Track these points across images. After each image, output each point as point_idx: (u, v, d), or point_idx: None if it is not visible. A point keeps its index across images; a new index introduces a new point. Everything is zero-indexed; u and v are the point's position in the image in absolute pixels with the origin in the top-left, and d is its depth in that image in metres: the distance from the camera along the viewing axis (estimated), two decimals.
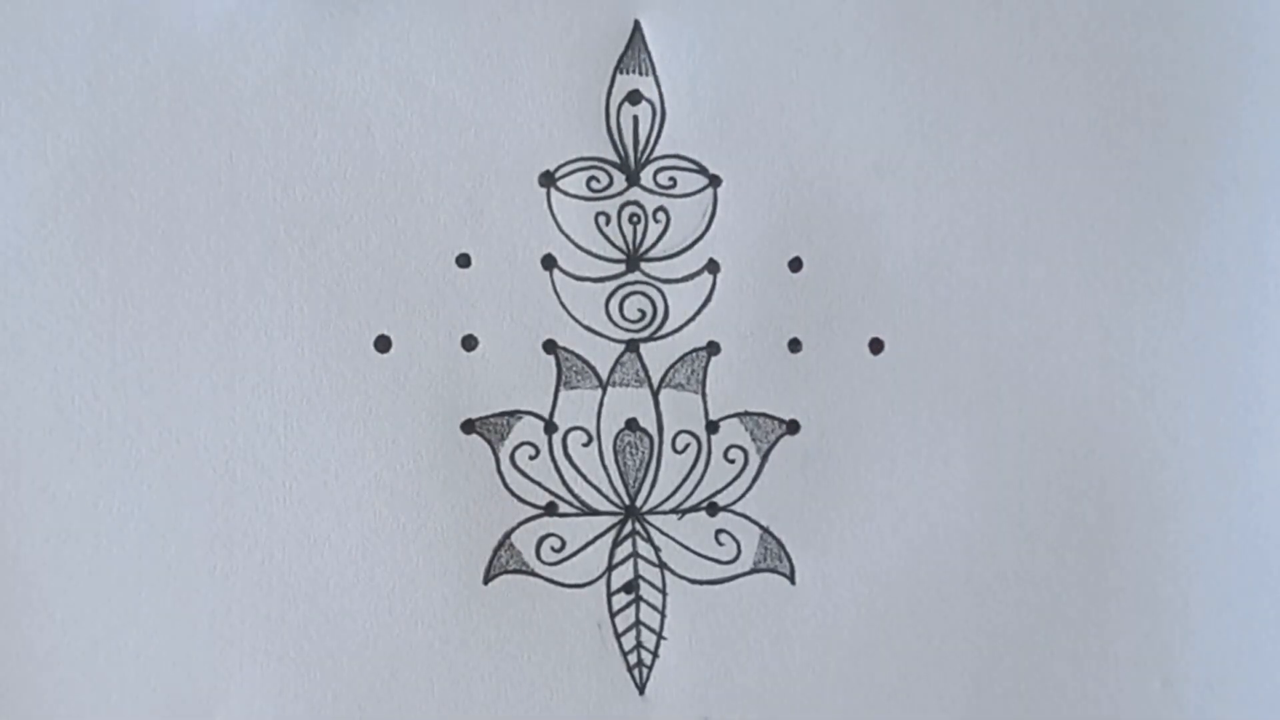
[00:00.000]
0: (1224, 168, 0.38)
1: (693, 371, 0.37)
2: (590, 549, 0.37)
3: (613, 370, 0.37)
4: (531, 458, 0.36)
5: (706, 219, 0.37)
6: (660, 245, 0.37)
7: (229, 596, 0.36)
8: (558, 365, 0.36)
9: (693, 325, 0.37)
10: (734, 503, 0.37)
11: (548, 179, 0.36)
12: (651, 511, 0.37)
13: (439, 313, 0.36)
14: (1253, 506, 0.38)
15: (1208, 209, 0.38)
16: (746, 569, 0.37)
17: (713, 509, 0.37)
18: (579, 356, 0.36)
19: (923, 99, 0.37)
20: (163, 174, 0.35)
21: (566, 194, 0.36)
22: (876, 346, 0.37)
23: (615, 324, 0.37)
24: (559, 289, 0.36)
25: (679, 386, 0.37)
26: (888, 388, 0.37)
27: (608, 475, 0.37)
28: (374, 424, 0.36)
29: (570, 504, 0.37)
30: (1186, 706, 0.37)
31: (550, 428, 0.36)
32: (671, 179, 0.36)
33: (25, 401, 0.35)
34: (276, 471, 0.36)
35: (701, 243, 0.37)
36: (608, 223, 0.36)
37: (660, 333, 0.37)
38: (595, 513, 0.37)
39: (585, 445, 0.37)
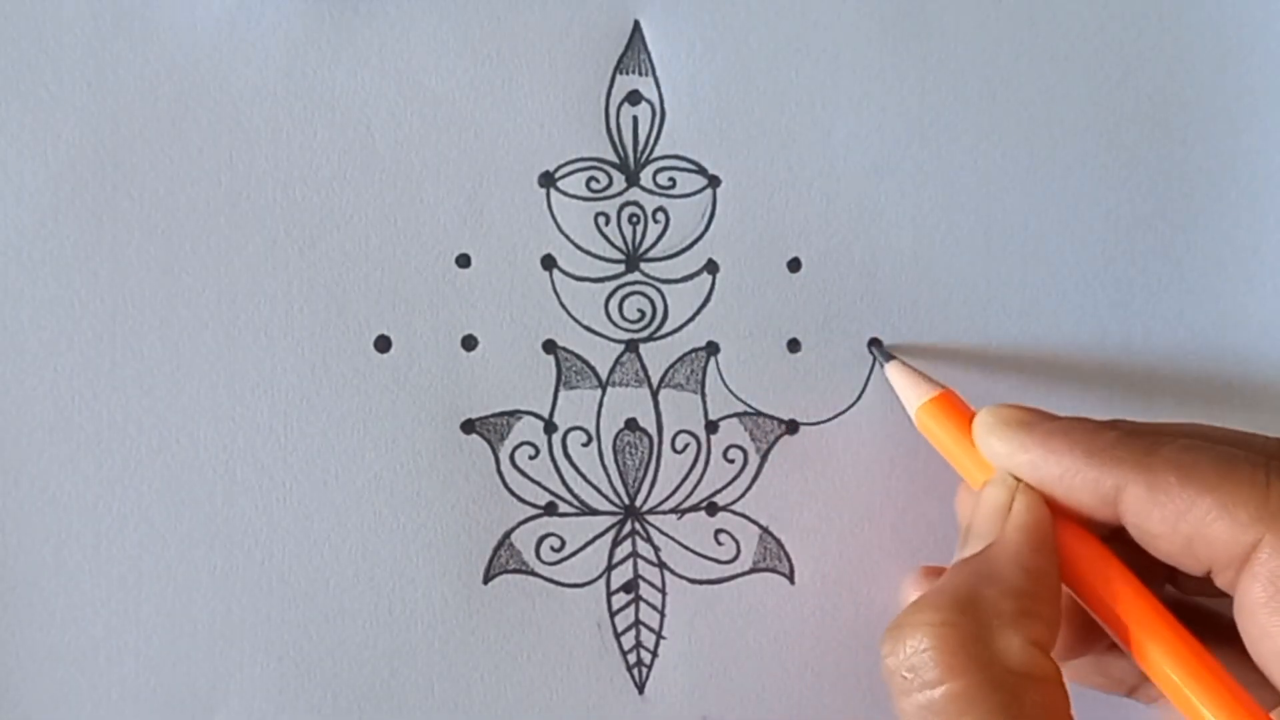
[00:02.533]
0: (1224, 168, 0.38)
1: (692, 371, 0.37)
2: (590, 549, 0.37)
3: (612, 370, 0.37)
4: (531, 458, 0.36)
5: (706, 219, 0.37)
6: (660, 245, 0.37)
7: (229, 596, 0.36)
8: (557, 365, 0.36)
9: (692, 325, 0.37)
10: (733, 503, 0.37)
11: (547, 179, 0.36)
12: (651, 511, 0.37)
13: (439, 313, 0.36)
14: None
15: (1207, 209, 0.38)
16: (746, 569, 0.37)
17: (712, 509, 0.37)
18: (579, 356, 0.37)
19: (923, 99, 0.37)
20: (163, 174, 0.35)
21: (566, 194, 0.36)
22: (876, 346, 0.37)
23: (615, 324, 0.37)
24: (559, 289, 0.36)
25: (678, 386, 0.37)
26: (886, 387, 0.37)
27: (607, 475, 0.37)
28: (374, 424, 0.36)
29: (570, 504, 0.37)
30: None
31: (550, 428, 0.36)
32: (671, 179, 0.36)
33: (25, 401, 0.35)
34: (276, 471, 0.36)
35: (701, 243, 0.37)
36: (607, 223, 0.36)
37: (660, 333, 0.37)
38: (595, 512, 0.37)
39: (585, 445, 0.37)
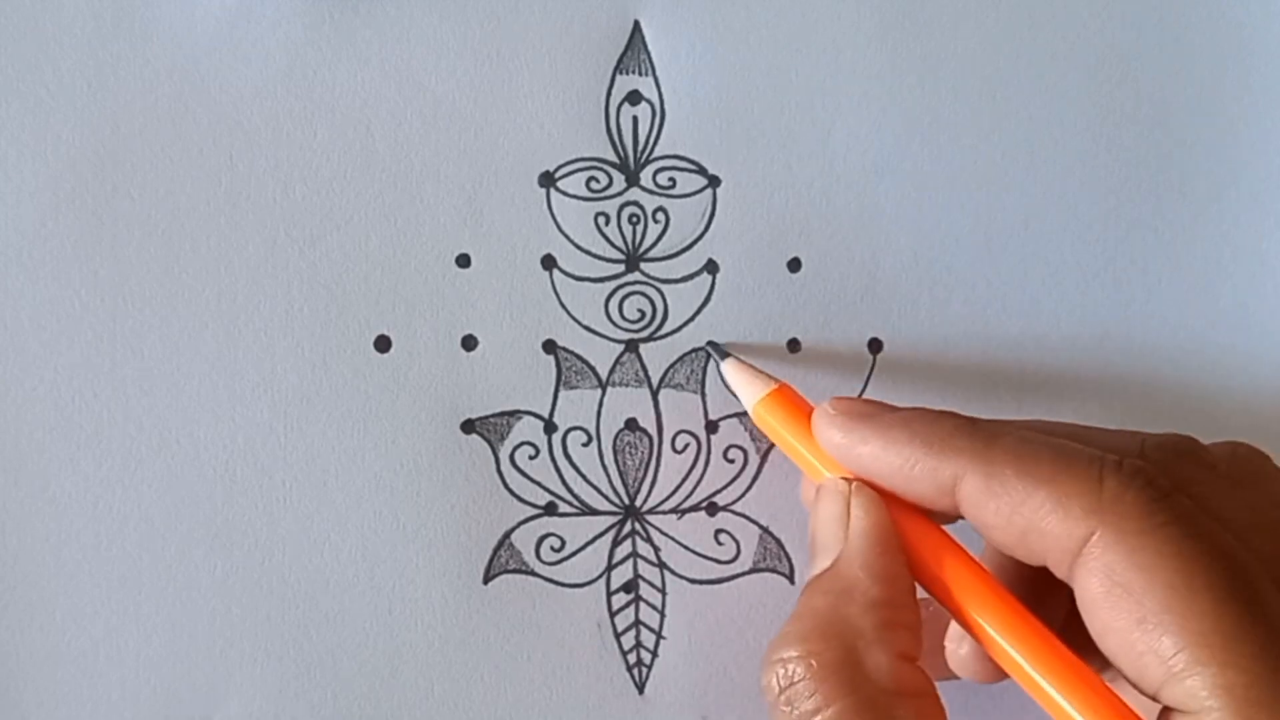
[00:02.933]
0: (1224, 168, 0.38)
1: (692, 371, 0.37)
2: (590, 549, 0.37)
3: (612, 370, 0.37)
4: (531, 458, 0.36)
5: (706, 219, 0.37)
6: (660, 245, 0.37)
7: (229, 596, 0.36)
8: (557, 365, 0.36)
9: (692, 325, 0.37)
10: (734, 503, 0.37)
11: (547, 179, 0.36)
12: (651, 511, 0.37)
13: (439, 313, 0.36)
14: None
15: (1207, 209, 0.38)
16: (746, 569, 0.37)
17: (712, 509, 0.37)
18: (579, 356, 0.37)
19: (923, 99, 0.37)
20: (163, 174, 0.35)
21: (566, 194, 0.36)
22: (876, 346, 0.37)
23: (615, 324, 0.37)
24: (559, 289, 0.36)
25: (678, 386, 0.37)
26: (887, 387, 0.37)
27: (607, 475, 0.37)
28: (374, 424, 0.36)
29: (570, 504, 0.37)
30: None
31: (550, 428, 0.36)
32: (671, 179, 0.36)
33: (25, 401, 0.35)
34: (276, 471, 0.36)
35: (701, 243, 0.37)
36: (607, 223, 0.36)
37: (660, 333, 0.37)
38: (595, 512, 0.37)
39: (585, 445, 0.37)
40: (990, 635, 0.30)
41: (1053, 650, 0.29)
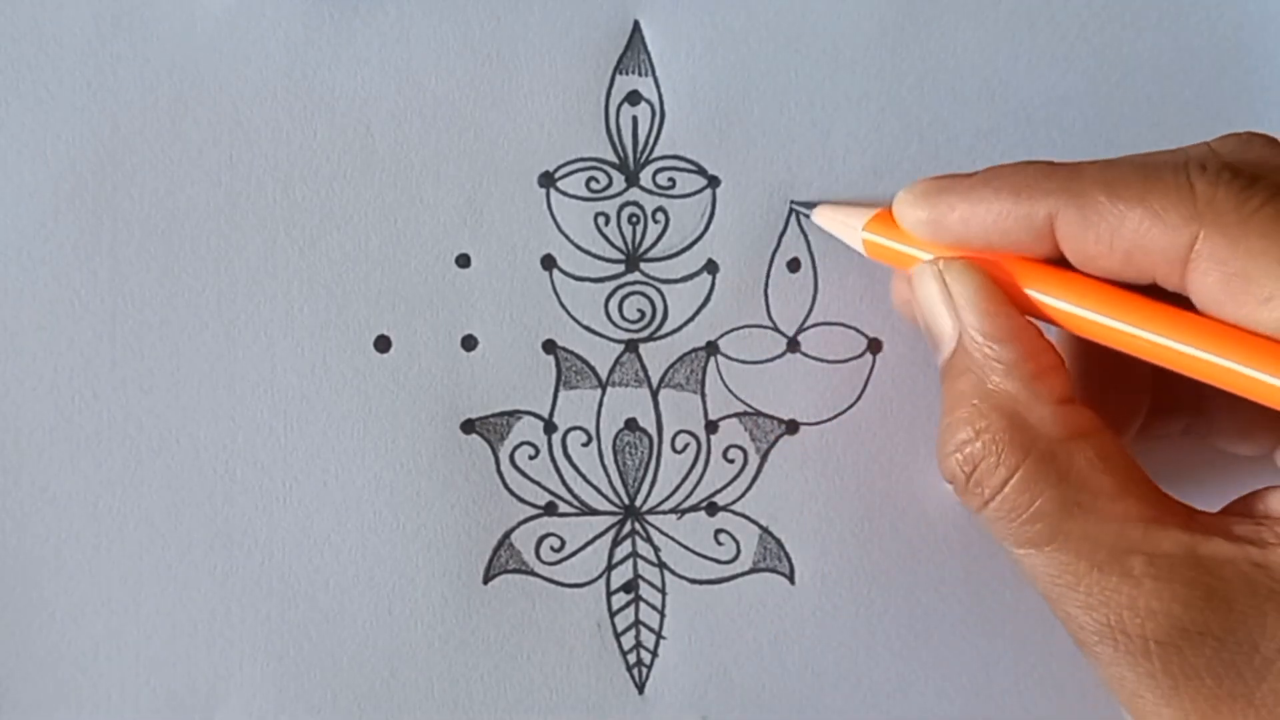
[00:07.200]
0: None
1: (692, 371, 0.37)
2: (590, 549, 0.37)
3: (612, 370, 0.37)
4: (531, 458, 0.36)
5: (705, 219, 0.37)
6: (659, 246, 0.37)
7: (229, 596, 0.36)
8: (557, 365, 0.36)
9: (692, 325, 0.37)
10: (733, 503, 0.37)
11: (547, 179, 0.36)
12: (651, 511, 0.37)
13: (439, 313, 0.36)
14: None
15: None
16: (746, 569, 0.37)
17: (712, 509, 0.37)
18: (578, 356, 0.37)
19: (922, 99, 0.37)
20: (163, 174, 0.35)
21: (566, 194, 0.36)
22: (876, 347, 0.37)
23: (615, 324, 0.37)
24: (558, 289, 0.36)
25: (678, 386, 0.37)
26: (887, 387, 0.37)
27: (607, 475, 0.37)
28: (374, 424, 0.36)
29: (570, 504, 0.37)
30: None
31: (550, 428, 0.36)
32: (670, 179, 0.37)
33: (25, 401, 0.35)
34: (276, 471, 0.36)
35: (700, 243, 0.37)
36: (607, 223, 0.37)
37: (660, 333, 0.37)
38: (595, 512, 0.37)
39: (585, 445, 0.37)
40: (1132, 332, 0.30)
41: (1193, 317, 0.29)
